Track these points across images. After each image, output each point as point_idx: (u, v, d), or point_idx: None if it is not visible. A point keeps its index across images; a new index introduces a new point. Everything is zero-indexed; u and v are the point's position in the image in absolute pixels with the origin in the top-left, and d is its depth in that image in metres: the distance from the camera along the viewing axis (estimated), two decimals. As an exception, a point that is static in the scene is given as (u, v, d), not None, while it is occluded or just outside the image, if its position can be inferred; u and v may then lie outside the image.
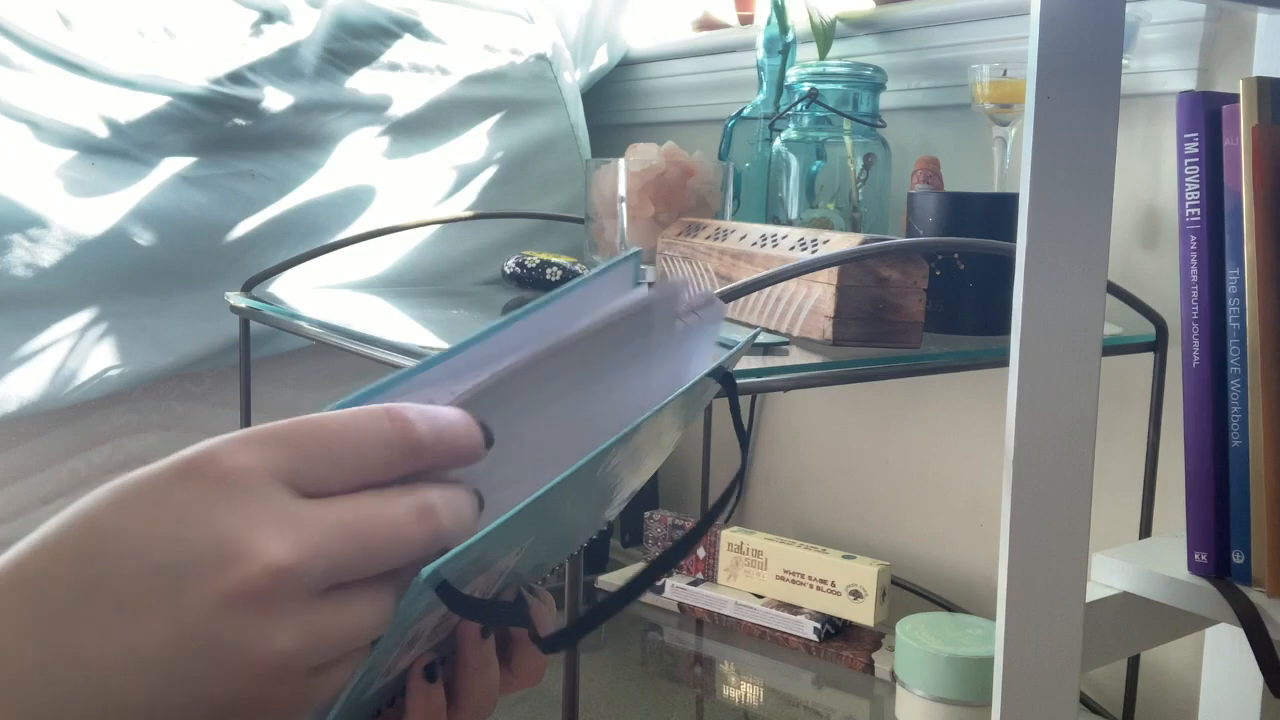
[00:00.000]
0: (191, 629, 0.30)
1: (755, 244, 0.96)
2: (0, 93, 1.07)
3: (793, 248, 0.91)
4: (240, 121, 1.19)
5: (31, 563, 0.31)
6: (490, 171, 1.37)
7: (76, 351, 1.10)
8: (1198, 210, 0.73)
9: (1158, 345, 0.95)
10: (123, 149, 1.13)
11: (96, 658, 0.30)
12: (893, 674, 0.95)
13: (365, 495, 0.33)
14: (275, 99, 1.21)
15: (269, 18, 1.24)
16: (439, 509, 0.33)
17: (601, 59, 1.55)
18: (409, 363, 0.83)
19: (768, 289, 0.89)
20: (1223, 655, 0.91)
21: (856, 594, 1.09)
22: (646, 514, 1.31)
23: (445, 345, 0.39)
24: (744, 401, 1.41)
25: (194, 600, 0.30)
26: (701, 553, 1.21)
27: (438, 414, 0.34)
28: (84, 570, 0.30)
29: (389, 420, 0.33)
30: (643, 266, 1.16)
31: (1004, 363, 0.62)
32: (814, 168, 1.14)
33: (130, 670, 0.30)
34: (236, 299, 1.10)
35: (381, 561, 0.32)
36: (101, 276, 1.11)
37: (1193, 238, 0.74)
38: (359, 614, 0.32)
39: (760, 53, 1.24)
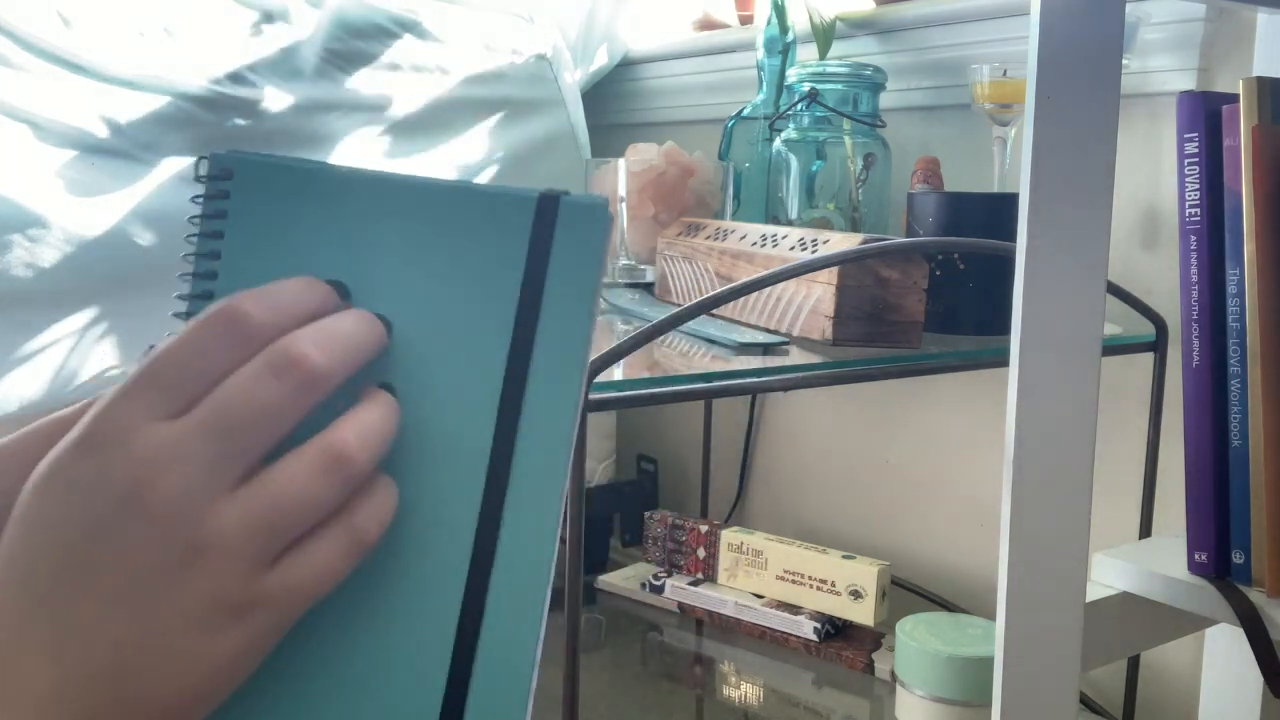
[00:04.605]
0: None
1: (755, 244, 0.96)
2: (0, 93, 1.07)
3: (793, 248, 0.91)
4: (240, 121, 1.19)
5: None
6: (490, 171, 1.36)
7: (76, 351, 1.10)
8: (1198, 210, 0.73)
9: (1158, 345, 0.95)
10: (123, 149, 1.13)
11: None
12: (893, 674, 0.95)
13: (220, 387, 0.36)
14: (275, 99, 1.21)
15: (269, 18, 1.24)
16: (289, 350, 0.35)
17: (601, 59, 1.55)
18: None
19: (768, 289, 0.89)
20: (1223, 655, 0.91)
21: (856, 594, 1.09)
22: (647, 514, 1.31)
23: None
24: (743, 401, 1.41)
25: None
26: (701, 553, 1.21)
27: (271, 289, 0.37)
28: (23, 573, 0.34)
29: (220, 320, 0.36)
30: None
31: (1004, 363, 0.62)
32: (814, 168, 1.14)
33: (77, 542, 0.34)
34: (236, 299, 1.10)
35: (255, 429, 0.35)
36: (101, 276, 1.11)
37: (1193, 238, 0.74)
38: (281, 485, 0.35)
39: (760, 53, 1.24)
